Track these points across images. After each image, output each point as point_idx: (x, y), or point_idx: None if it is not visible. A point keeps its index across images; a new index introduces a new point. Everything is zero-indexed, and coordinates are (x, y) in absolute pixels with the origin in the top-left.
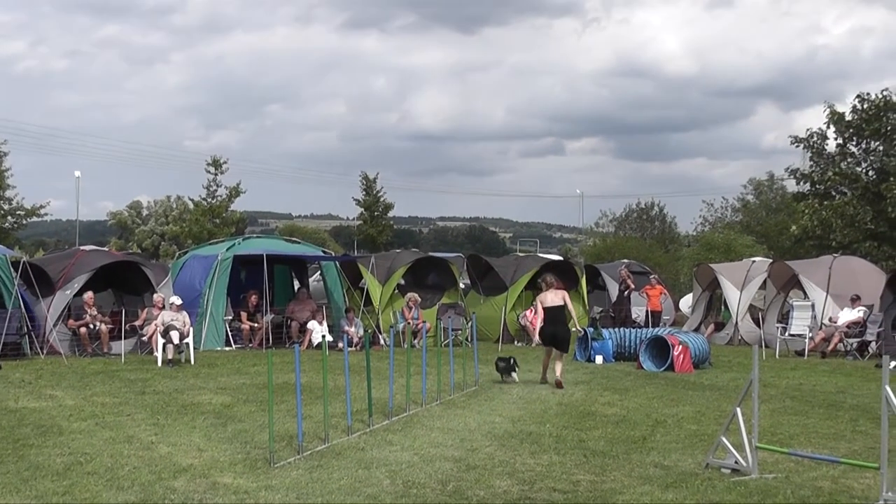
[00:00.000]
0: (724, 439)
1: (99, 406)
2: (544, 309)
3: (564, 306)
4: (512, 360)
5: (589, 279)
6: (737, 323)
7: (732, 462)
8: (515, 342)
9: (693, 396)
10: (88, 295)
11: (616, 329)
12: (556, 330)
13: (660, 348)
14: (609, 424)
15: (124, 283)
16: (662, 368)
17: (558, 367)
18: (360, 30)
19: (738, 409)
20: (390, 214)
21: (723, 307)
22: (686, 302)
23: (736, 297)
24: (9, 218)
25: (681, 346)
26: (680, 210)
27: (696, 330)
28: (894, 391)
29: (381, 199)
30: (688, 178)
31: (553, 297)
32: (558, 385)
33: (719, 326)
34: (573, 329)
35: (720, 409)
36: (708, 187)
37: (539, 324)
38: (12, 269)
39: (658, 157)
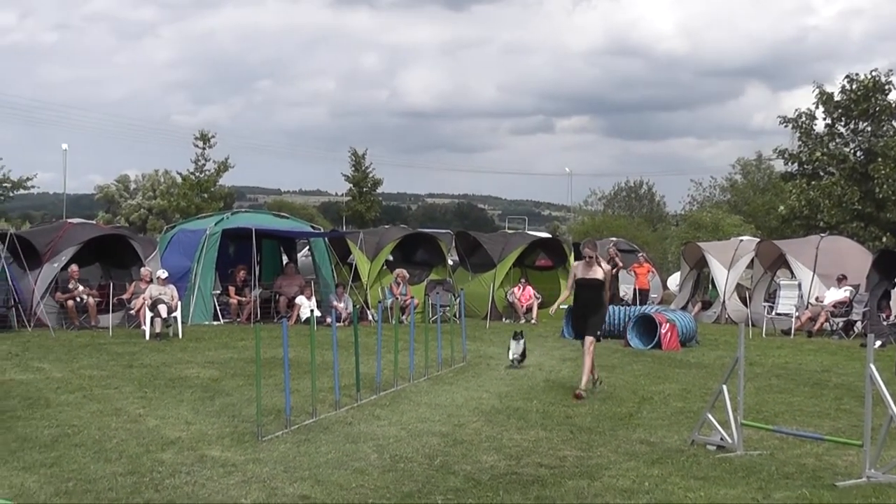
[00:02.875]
0: (709, 416)
1: (86, 379)
2: (576, 283)
3: (602, 284)
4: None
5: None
6: (724, 302)
7: (718, 439)
8: (503, 319)
9: (679, 374)
10: (73, 268)
11: None
12: (585, 313)
13: (647, 326)
14: (596, 401)
15: (112, 256)
16: (649, 346)
17: (585, 366)
18: (351, 6)
19: (724, 387)
20: (379, 191)
21: (710, 286)
22: (674, 280)
23: (723, 276)
24: None
25: (668, 324)
26: (668, 189)
27: (684, 308)
28: (878, 370)
29: (370, 175)
30: (676, 157)
31: (585, 269)
32: (577, 396)
33: (706, 305)
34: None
35: (706, 387)
36: (696, 167)
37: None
38: None
39: (647, 136)
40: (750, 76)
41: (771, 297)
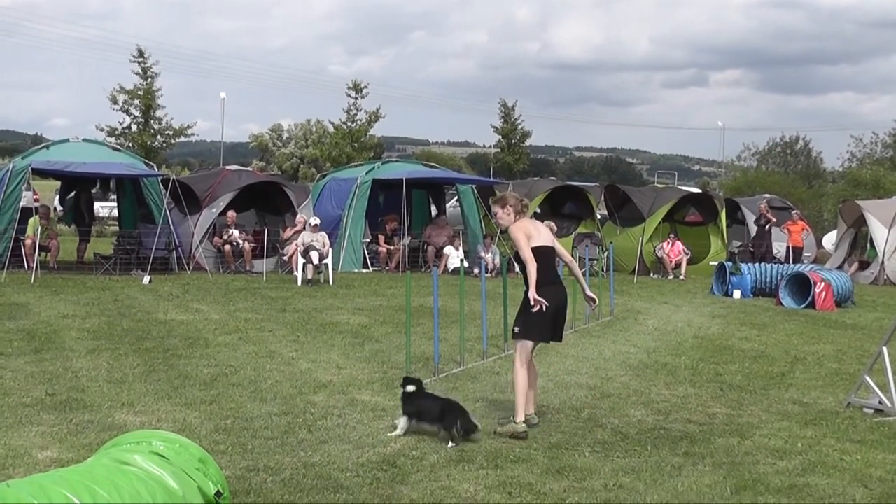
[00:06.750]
0: (867, 379)
1: (242, 321)
2: (536, 252)
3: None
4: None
5: (728, 213)
6: (883, 262)
7: (876, 402)
8: (651, 274)
9: (834, 335)
10: (230, 213)
11: (755, 264)
12: (559, 297)
13: (800, 285)
14: (746, 359)
15: (266, 203)
16: (803, 306)
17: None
18: None
19: (885, 349)
20: (527, 143)
21: (868, 245)
22: (830, 239)
23: (883, 236)
24: (158, 137)
25: (823, 284)
26: (826, 145)
27: (840, 268)
28: None
29: (519, 127)
30: (835, 112)
31: (540, 230)
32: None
33: (864, 265)
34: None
35: (862, 349)
36: (856, 122)
37: (533, 276)
38: (162, 187)
39: (804, 90)
40: None
41: None
